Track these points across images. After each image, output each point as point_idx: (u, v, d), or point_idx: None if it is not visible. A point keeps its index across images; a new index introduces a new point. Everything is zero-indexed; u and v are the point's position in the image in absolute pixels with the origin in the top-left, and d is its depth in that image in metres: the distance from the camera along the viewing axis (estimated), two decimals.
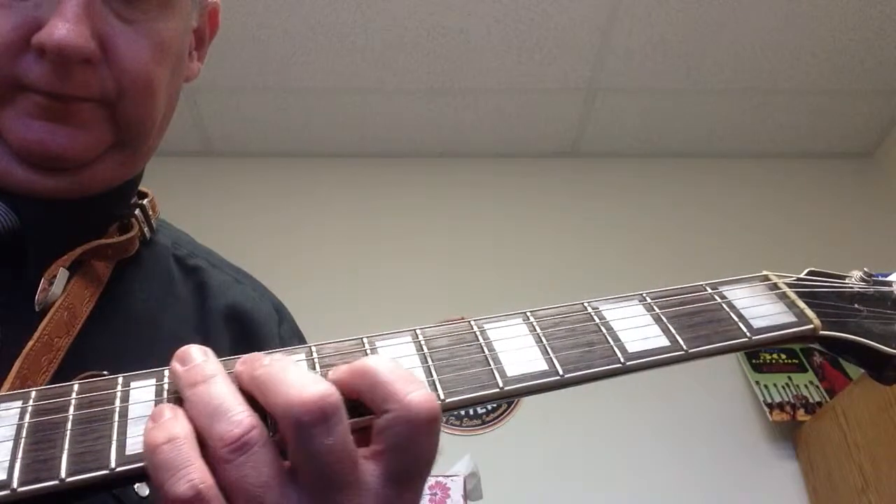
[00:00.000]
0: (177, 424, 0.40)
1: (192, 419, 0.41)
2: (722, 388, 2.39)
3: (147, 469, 0.39)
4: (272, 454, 0.40)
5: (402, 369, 0.43)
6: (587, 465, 2.27)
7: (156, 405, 0.43)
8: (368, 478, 0.41)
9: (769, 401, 2.33)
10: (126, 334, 0.65)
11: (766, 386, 2.37)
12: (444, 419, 0.47)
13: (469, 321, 0.50)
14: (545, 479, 2.24)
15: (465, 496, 1.86)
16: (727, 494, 2.23)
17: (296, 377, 0.41)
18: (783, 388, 2.36)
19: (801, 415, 2.28)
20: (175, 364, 0.44)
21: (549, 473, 2.25)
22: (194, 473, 0.38)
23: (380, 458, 0.41)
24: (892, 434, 1.87)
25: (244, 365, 0.44)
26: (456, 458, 2.03)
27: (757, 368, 2.41)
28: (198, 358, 0.44)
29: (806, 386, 2.36)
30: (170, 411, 0.41)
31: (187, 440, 0.39)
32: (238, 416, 0.40)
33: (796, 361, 2.43)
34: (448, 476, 1.88)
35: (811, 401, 2.32)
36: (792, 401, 2.33)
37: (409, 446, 0.41)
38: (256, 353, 0.44)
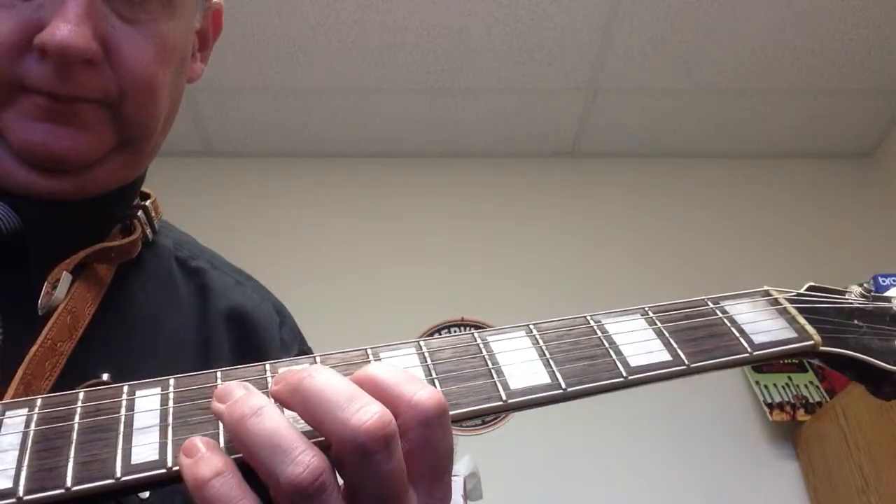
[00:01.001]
0: (217, 458, 0.39)
1: (247, 456, 0.40)
2: (722, 388, 2.39)
3: None
4: (340, 496, 0.39)
5: (402, 372, 0.43)
6: (587, 465, 2.28)
7: (161, 414, 0.43)
8: (413, 494, 0.41)
9: (769, 401, 2.33)
10: (129, 337, 0.65)
11: (766, 386, 2.37)
12: None
13: (472, 333, 0.50)
14: (545, 479, 2.24)
15: (465, 496, 1.86)
16: (727, 494, 2.23)
17: (346, 398, 0.40)
18: (783, 388, 2.37)
19: (801, 415, 2.29)
20: (215, 403, 0.42)
21: (549, 473, 2.25)
22: None
23: (407, 466, 0.41)
24: (892, 434, 1.87)
25: (280, 384, 0.42)
26: (456, 458, 2.03)
27: (757, 368, 2.41)
28: (238, 392, 0.42)
29: (806, 386, 2.36)
30: (203, 444, 0.40)
31: (234, 474, 0.39)
32: (305, 458, 0.39)
33: (796, 362, 2.43)
34: None
35: (811, 401, 2.32)
36: (792, 401, 2.33)
37: (428, 444, 0.41)
38: (290, 370, 0.43)
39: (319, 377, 0.42)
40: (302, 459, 0.38)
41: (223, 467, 0.39)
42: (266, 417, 0.40)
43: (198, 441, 0.40)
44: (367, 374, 0.43)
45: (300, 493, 0.38)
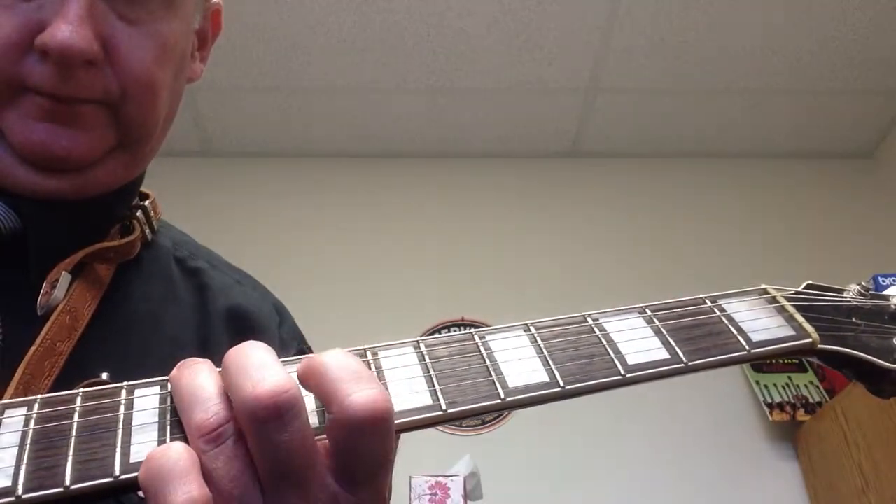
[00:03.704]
0: (176, 445, 0.40)
1: (176, 405, 0.42)
2: (722, 389, 2.39)
3: (142, 487, 0.39)
4: (243, 448, 0.39)
5: (353, 367, 0.41)
6: (587, 464, 2.28)
7: (160, 413, 0.43)
8: (325, 475, 0.40)
9: (769, 401, 2.33)
10: (128, 337, 0.65)
11: (766, 386, 2.37)
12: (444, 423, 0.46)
13: (471, 332, 0.50)
14: (545, 479, 2.24)
15: (465, 496, 1.86)
16: (727, 494, 2.23)
17: (256, 369, 0.40)
18: (783, 388, 2.37)
19: (801, 415, 2.29)
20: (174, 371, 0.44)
21: (549, 473, 2.25)
22: (192, 486, 0.38)
23: (332, 458, 0.41)
24: (892, 434, 1.87)
25: (227, 355, 0.43)
26: (456, 458, 2.03)
27: (757, 368, 2.41)
28: (193, 359, 0.44)
29: (806, 386, 2.37)
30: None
31: (186, 459, 0.39)
32: (214, 407, 0.40)
33: (796, 362, 2.43)
34: (448, 476, 1.88)
35: (811, 401, 2.32)
36: (792, 401, 2.33)
37: (353, 448, 0.40)
38: (243, 344, 0.43)
39: (248, 350, 0.42)
40: (211, 408, 0.40)
41: (176, 453, 0.39)
42: (197, 374, 0.42)
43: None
44: (315, 364, 0.42)
45: (204, 437, 0.39)
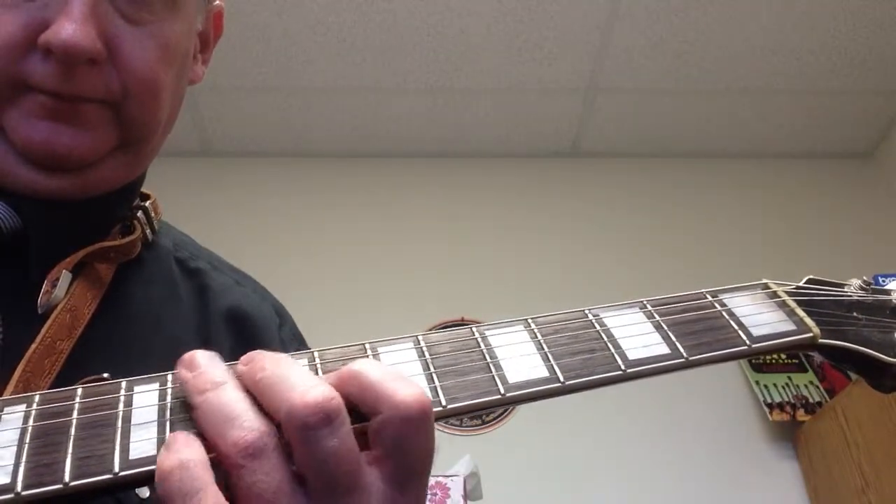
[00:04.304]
0: (188, 449, 0.40)
1: (203, 428, 0.41)
2: (722, 388, 2.39)
3: (161, 497, 0.39)
4: (283, 459, 0.40)
5: (389, 370, 0.43)
6: (587, 464, 2.28)
7: (159, 409, 0.43)
8: (373, 480, 0.41)
9: (769, 401, 2.33)
10: (128, 336, 0.65)
11: (766, 386, 2.37)
12: (445, 421, 0.47)
13: (470, 327, 0.50)
14: (545, 479, 2.24)
15: (465, 496, 1.86)
16: (727, 494, 2.23)
17: (299, 379, 0.41)
18: (783, 388, 2.37)
19: (801, 415, 2.29)
20: (182, 370, 0.44)
21: (549, 473, 2.25)
22: (209, 499, 0.38)
23: (380, 461, 0.41)
24: (892, 434, 1.87)
25: (247, 366, 0.43)
26: (456, 458, 2.03)
27: (757, 368, 2.41)
28: (203, 363, 0.43)
29: (806, 386, 2.36)
30: (183, 437, 0.41)
31: (200, 466, 0.39)
32: (250, 422, 0.40)
33: (796, 361, 2.43)
34: (448, 476, 1.88)
35: (811, 401, 2.32)
36: (792, 401, 2.33)
37: (405, 445, 0.41)
38: (258, 353, 0.44)
39: (279, 362, 0.42)
40: (246, 424, 0.40)
41: (188, 458, 0.39)
42: (223, 392, 0.41)
43: (179, 435, 0.41)
44: (352, 371, 0.43)
45: (242, 454, 0.39)
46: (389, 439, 0.41)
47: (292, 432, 0.39)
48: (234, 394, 0.42)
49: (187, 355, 0.44)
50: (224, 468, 0.39)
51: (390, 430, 0.41)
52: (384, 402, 0.41)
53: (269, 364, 0.42)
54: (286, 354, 0.44)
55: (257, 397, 0.42)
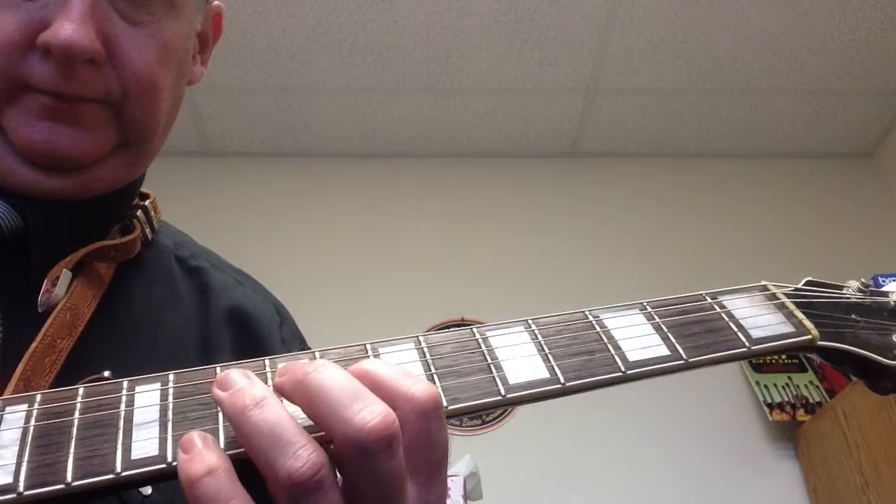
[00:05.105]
0: (211, 455, 0.39)
1: (249, 449, 0.40)
2: (722, 389, 2.39)
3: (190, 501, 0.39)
4: (338, 491, 0.39)
5: (396, 367, 0.43)
6: (587, 464, 2.28)
7: (161, 409, 0.43)
8: (410, 488, 0.41)
9: (769, 401, 2.33)
10: (128, 335, 0.65)
11: (766, 386, 2.37)
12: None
13: (471, 328, 0.50)
14: (545, 479, 2.24)
15: (465, 496, 1.87)
16: (727, 494, 2.23)
17: (350, 396, 0.40)
18: (783, 388, 2.37)
19: (801, 415, 2.29)
20: (216, 390, 0.42)
21: (549, 473, 2.25)
22: None
23: (406, 461, 0.41)
24: (892, 434, 1.87)
25: (284, 376, 0.42)
26: (456, 458, 2.03)
27: (757, 368, 2.41)
28: (240, 381, 0.42)
29: (806, 386, 2.37)
30: (200, 440, 0.40)
31: (228, 472, 0.38)
32: (305, 452, 0.38)
33: (796, 361, 2.43)
34: (448, 476, 1.88)
35: (811, 401, 2.32)
36: (792, 401, 2.33)
37: (426, 438, 0.41)
38: (294, 363, 0.43)
39: (325, 372, 0.41)
40: (302, 454, 0.38)
41: (216, 464, 0.38)
42: (267, 409, 0.40)
43: (195, 436, 0.40)
44: (363, 369, 0.43)
45: (299, 488, 0.38)
46: (411, 434, 0.41)
47: (349, 454, 0.39)
48: (279, 411, 0.40)
49: (221, 375, 0.43)
50: (271, 493, 0.39)
51: (408, 427, 0.41)
52: (398, 399, 0.41)
53: (311, 369, 0.41)
54: (322, 360, 0.44)
55: (303, 408, 0.41)
